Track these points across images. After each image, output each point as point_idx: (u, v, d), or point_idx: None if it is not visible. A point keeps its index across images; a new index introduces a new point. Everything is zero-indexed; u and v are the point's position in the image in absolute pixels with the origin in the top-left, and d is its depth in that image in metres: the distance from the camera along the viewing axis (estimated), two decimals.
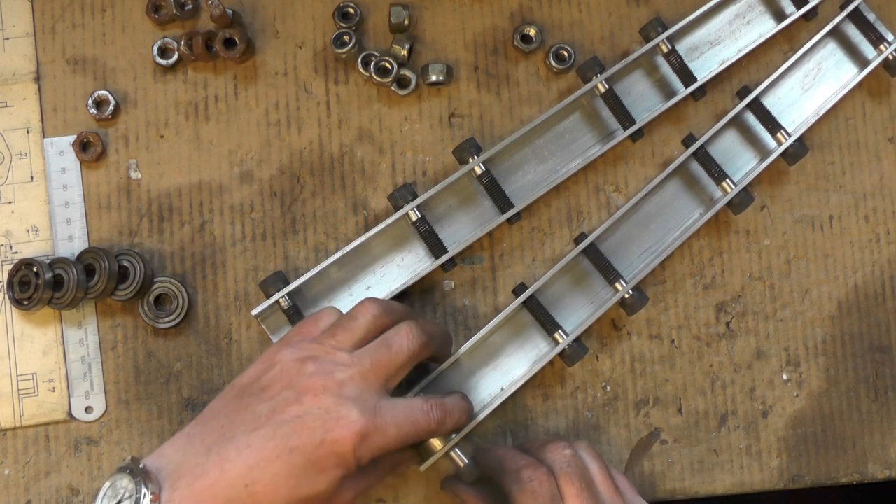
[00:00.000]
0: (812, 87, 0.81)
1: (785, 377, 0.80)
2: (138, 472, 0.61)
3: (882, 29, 0.81)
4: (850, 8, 0.81)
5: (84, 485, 0.76)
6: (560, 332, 0.75)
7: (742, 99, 0.79)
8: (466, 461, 0.71)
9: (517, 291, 0.76)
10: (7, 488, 0.76)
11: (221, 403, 0.65)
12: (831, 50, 0.82)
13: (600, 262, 0.76)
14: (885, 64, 0.81)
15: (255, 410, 0.63)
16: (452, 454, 0.71)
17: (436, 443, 0.70)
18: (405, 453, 0.72)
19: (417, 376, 0.72)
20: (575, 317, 0.77)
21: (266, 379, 0.65)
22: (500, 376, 0.76)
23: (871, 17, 0.81)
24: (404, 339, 0.67)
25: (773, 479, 0.79)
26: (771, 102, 0.80)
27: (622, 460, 0.78)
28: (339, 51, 0.78)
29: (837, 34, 0.82)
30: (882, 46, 0.81)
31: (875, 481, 0.80)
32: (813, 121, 0.80)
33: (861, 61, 0.82)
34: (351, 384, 0.64)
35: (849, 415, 0.80)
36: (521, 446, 0.74)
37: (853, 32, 0.82)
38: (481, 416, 0.73)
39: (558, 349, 0.74)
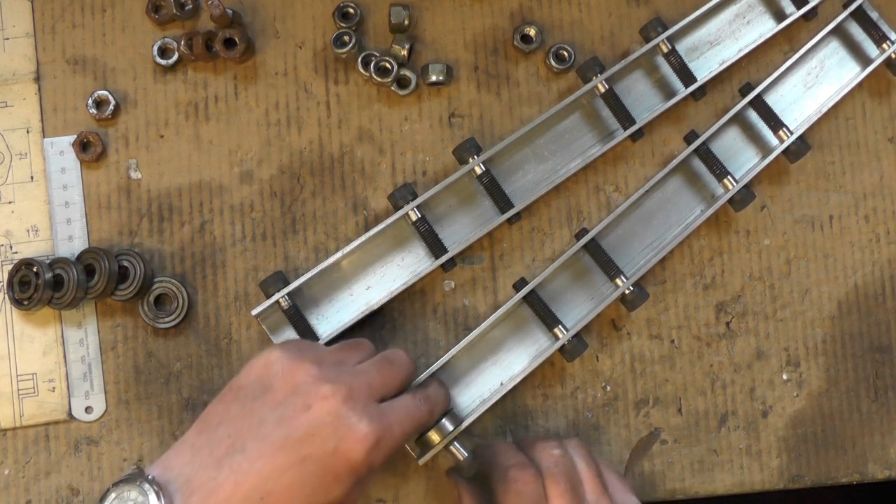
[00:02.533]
0: (814, 86, 0.81)
1: (785, 377, 0.80)
2: (149, 484, 0.60)
3: (885, 28, 0.80)
4: (854, 6, 0.80)
5: (84, 485, 0.76)
6: (560, 327, 0.75)
7: (744, 96, 0.79)
8: (466, 454, 0.72)
9: (518, 286, 0.76)
10: (7, 488, 0.76)
11: (222, 409, 0.63)
12: (834, 48, 0.82)
13: (601, 258, 0.76)
14: (888, 63, 0.81)
15: (261, 418, 0.62)
16: (452, 448, 0.72)
17: (434, 436, 0.71)
18: None
19: None
20: (575, 312, 0.77)
21: (267, 380, 0.63)
22: (500, 371, 0.76)
23: (874, 15, 0.80)
24: (403, 358, 0.69)
25: (773, 479, 0.79)
26: (773, 100, 0.80)
27: (622, 460, 0.78)
28: (339, 51, 0.78)
29: (840, 32, 0.82)
30: (885, 45, 0.80)
31: (875, 481, 0.80)
32: (815, 118, 0.80)
33: (864, 60, 0.82)
34: (359, 392, 0.63)
35: (849, 415, 0.80)
36: (519, 443, 0.74)
37: (856, 31, 0.82)
38: (480, 411, 0.73)
39: (558, 344, 0.74)
